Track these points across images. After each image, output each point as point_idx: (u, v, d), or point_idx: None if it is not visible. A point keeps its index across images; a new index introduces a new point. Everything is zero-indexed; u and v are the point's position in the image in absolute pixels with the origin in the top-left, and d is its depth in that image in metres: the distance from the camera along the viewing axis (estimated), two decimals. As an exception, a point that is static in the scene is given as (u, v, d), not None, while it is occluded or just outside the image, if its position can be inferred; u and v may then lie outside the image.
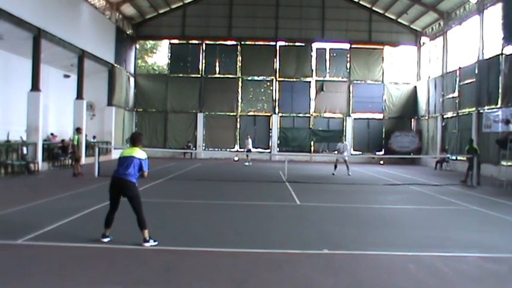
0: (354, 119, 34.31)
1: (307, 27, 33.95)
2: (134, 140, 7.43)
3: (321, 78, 34.26)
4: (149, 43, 39.32)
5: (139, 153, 7.17)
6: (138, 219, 6.97)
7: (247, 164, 27.61)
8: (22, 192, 13.15)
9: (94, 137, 27.26)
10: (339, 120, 34.56)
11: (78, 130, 18.63)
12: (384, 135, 34.08)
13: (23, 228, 7.78)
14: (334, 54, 34.50)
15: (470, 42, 26.32)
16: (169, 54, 35.03)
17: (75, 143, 17.90)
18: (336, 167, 21.53)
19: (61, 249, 6.77)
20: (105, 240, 7.06)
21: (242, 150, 29.22)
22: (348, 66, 34.32)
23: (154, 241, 6.96)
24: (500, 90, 22.29)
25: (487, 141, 22.22)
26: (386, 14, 33.68)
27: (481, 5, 24.76)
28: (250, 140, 28.84)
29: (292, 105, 34.35)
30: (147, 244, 6.89)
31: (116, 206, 7.17)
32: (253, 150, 29.77)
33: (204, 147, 34.04)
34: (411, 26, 33.58)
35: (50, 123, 24.54)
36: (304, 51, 34.39)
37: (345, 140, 22.30)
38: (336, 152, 22.76)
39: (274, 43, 34.26)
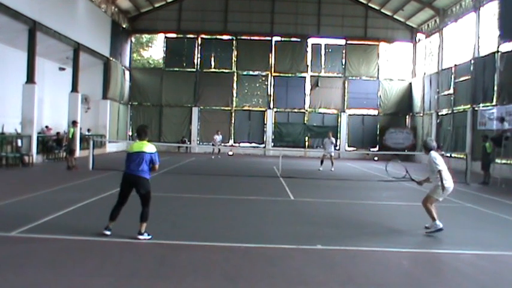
0: (349, 115, 34.36)
1: (303, 23, 33.90)
2: (140, 133, 7.36)
3: (316, 74, 34.27)
4: (145, 37, 39.14)
5: (149, 147, 7.20)
6: (143, 212, 7.04)
7: (213, 157, 28.37)
8: (16, 185, 13.08)
9: (89, 130, 27.19)
10: (334, 116, 34.59)
11: (74, 123, 18.62)
12: (378, 132, 34.17)
13: (17, 221, 7.77)
14: (330, 50, 34.50)
15: (466, 39, 26.38)
16: (165, 48, 34.90)
17: (70, 135, 17.88)
18: (322, 162, 21.65)
19: (55, 241, 6.77)
20: (107, 232, 7.03)
21: (213, 145, 29.56)
22: (343, 62, 34.35)
23: (148, 235, 6.97)
24: (495, 88, 22.37)
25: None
26: (382, 10, 33.69)
27: (477, 2, 24.81)
28: (220, 137, 29.25)
29: (287, 101, 34.36)
30: (141, 237, 6.90)
31: (125, 201, 7.19)
32: (220, 145, 29.68)
33: (198, 142, 34.00)
34: (407, 23, 33.62)
35: (45, 116, 24.47)
36: (299, 47, 34.34)
37: (332, 136, 22.07)
38: (321, 147, 22.85)
39: (269, 38, 34.21)
